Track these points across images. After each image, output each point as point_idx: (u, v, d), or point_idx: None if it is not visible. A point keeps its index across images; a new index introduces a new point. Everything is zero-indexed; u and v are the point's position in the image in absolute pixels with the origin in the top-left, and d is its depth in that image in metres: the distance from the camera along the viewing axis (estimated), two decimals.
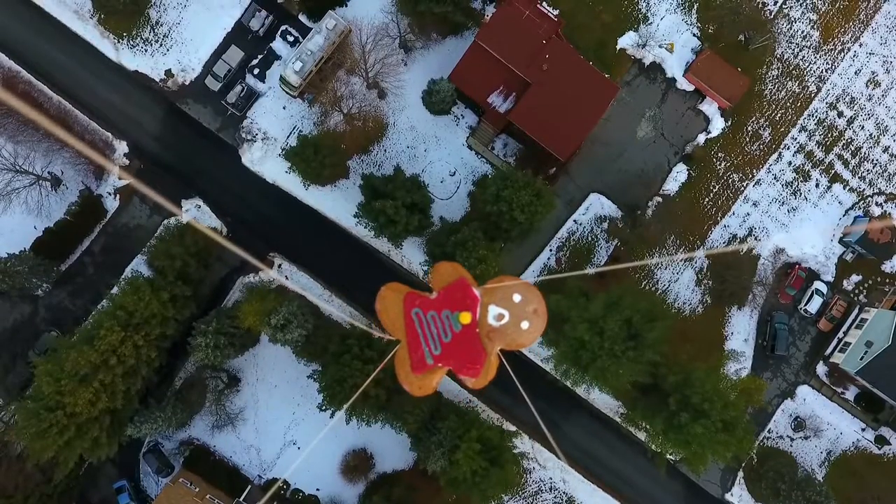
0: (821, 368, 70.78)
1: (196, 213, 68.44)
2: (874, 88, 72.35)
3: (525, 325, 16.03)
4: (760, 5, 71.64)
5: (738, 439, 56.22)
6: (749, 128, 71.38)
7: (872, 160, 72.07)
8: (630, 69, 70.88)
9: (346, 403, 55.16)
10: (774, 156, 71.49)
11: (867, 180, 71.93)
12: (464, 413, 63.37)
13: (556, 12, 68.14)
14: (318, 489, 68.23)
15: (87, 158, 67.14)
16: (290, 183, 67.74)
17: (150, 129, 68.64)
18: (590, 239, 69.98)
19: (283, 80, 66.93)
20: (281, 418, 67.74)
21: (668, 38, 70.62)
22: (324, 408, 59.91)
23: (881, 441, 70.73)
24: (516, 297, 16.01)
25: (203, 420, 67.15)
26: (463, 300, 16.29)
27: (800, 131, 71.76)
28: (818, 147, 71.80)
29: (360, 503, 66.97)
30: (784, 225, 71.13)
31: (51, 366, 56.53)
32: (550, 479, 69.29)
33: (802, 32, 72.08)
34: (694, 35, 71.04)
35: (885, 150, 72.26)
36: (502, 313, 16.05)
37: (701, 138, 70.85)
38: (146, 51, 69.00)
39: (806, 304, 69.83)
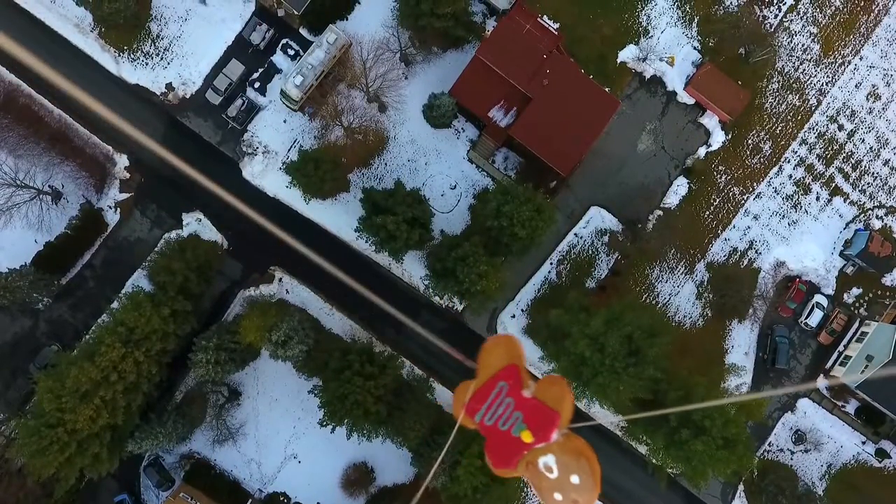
0: (821, 382, 70.81)
1: (197, 227, 68.45)
2: (874, 101, 72.44)
3: (557, 497, 15.19)
4: (761, 19, 71.72)
5: (738, 456, 56.26)
6: (749, 141, 71.46)
7: (873, 173, 72.17)
8: (630, 82, 70.94)
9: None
10: (775, 169, 71.57)
11: (868, 193, 72.04)
12: (464, 428, 63.16)
13: (556, 26, 68.37)
14: (318, 502, 68.17)
15: (89, 172, 67.32)
16: (291, 196, 67.70)
17: (151, 142, 68.51)
18: (590, 252, 70.03)
19: (283, 93, 66.97)
20: (282, 432, 67.72)
21: (668, 52, 70.69)
22: (325, 424, 59.89)
23: (882, 454, 70.81)
24: (574, 478, 15.00)
25: (204, 434, 67.08)
26: (538, 425, 15.49)
27: (800, 144, 71.85)
28: (819, 160, 71.88)
29: None
30: (784, 238, 71.20)
31: (52, 382, 56.41)
32: None
33: (803, 46, 72.15)
34: (694, 48, 71.11)
35: (886, 163, 72.37)
36: (553, 470, 15.17)
37: (701, 151, 70.93)
38: (147, 64, 69.02)
39: (806, 318, 69.90)
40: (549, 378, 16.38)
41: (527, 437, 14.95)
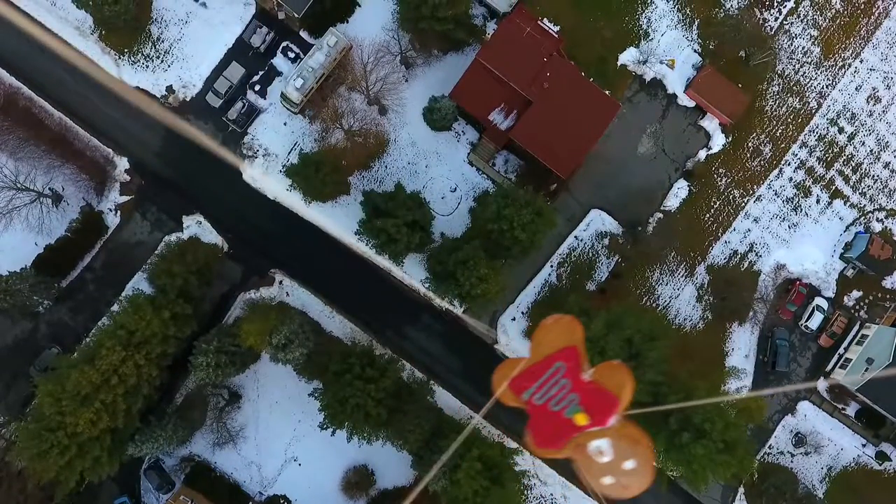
0: (822, 384, 70.83)
1: (197, 229, 68.44)
2: (875, 104, 72.46)
3: (607, 481, 14.95)
4: (761, 21, 71.70)
5: (738, 460, 56.28)
6: (750, 144, 71.46)
7: (873, 176, 72.19)
8: (631, 85, 70.92)
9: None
10: (775, 172, 71.58)
11: (868, 196, 72.07)
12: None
13: (556, 29, 68.35)
14: None
15: (90, 175, 67.32)
16: (292, 199, 67.66)
17: (151, 145, 68.62)
18: (591, 255, 70.04)
19: (283, 96, 66.99)
20: (282, 435, 67.70)
21: (669, 55, 70.69)
22: (325, 427, 59.90)
23: (882, 457, 70.83)
24: (629, 464, 14.80)
25: (204, 437, 67.09)
26: (597, 411, 15.22)
27: (800, 147, 71.85)
28: (819, 163, 71.89)
29: None
30: (785, 241, 71.22)
31: (52, 386, 56.46)
32: (552, 495, 69.32)
33: (803, 48, 72.16)
34: (695, 51, 71.10)
35: (886, 165, 72.41)
36: (605, 453, 14.89)
37: (702, 154, 70.92)
38: (147, 67, 68.99)
39: (807, 320, 69.91)
40: (610, 364, 16.12)
41: (581, 419, 14.83)
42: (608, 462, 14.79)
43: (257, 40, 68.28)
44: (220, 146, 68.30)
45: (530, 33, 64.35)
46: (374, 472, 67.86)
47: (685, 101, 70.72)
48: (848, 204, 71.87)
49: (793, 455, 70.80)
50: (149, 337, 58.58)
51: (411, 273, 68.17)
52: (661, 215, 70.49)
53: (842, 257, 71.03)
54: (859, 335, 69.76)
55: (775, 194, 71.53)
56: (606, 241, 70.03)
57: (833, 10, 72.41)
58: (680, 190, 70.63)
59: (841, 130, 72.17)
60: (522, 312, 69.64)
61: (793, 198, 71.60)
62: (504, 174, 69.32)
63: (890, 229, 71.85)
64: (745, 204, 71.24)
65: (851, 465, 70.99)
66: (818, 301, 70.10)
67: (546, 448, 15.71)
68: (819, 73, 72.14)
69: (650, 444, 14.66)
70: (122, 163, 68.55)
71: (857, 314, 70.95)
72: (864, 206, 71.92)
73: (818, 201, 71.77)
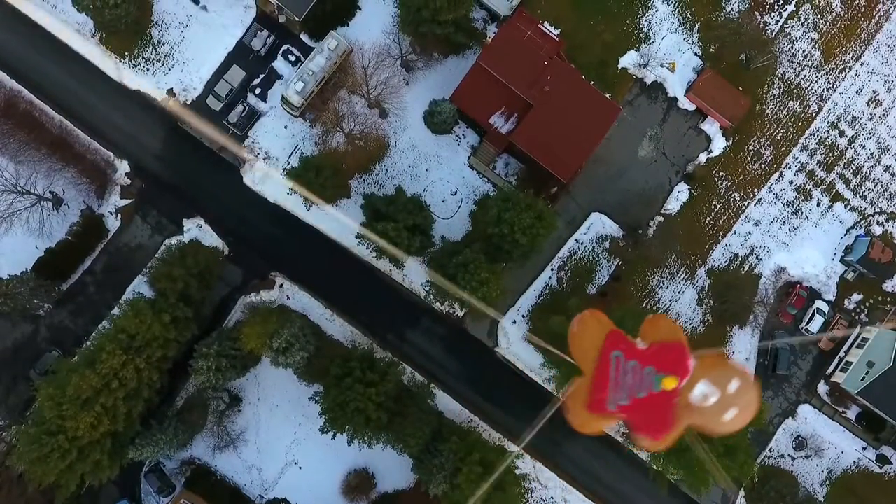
0: (822, 388, 70.88)
1: (197, 233, 68.44)
2: (875, 108, 72.52)
3: (729, 415, 14.60)
4: (762, 25, 71.76)
5: (739, 464, 56.42)
6: (750, 147, 71.52)
7: (874, 179, 72.23)
8: (631, 88, 70.97)
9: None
10: (776, 175, 71.63)
11: (868, 199, 72.16)
12: (465, 434, 63.31)
13: (557, 32, 68.37)
14: None
15: (90, 178, 67.35)
16: (292, 202, 67.70)
17: (152, 148, 68.62)
18: (591, 258, 70.07)
19: (284, 99, 67.01)
20: (282, 438, 67.69)
21: (669, 58, 70.73)
22: (325, 431, 59.89)
23: (882, 460, 70.87)
24: (732, 385, 14.54)
25: (204, 440, 67.02)
26: (674, 365, 14.90)
27: (801, 150, 71.90)
28: (819, 166, 71.95)
29: None
30: (785, 244, 71.26)
31: (52, 389, 56.44)
32: (552, 498, 69.26)
33: (804, 52, 72.20)
34: (695, 54, 71.15)
35: (887, 169, 72.46)
36: (709, 393, 14.59)
37: (702, 157, 70.96)
38: (148, 70, 68.98)
39: (807, 324, 69.91)
40: (649, 320, 15.77)
41: (670, 382, 14.51)
42: (718, 399, 14.48)
43: (258, 43, 68.31)
44: (220, 149, 68.42)
45: (531, 37, 64.41)
46: (375, 476, 67.86)
47: (686, 104, 70.77)
48: (848, 207, 71.92)
49: (793, 458, 70.81)
50: (149, 340, 58.54)
51: (412, 276, 68.21)
52: (661, 218, 70.52)
53: (842, 261, 71.06)
54: (860, 338, 69.75)
55: (776, 197, 71.57)
56: (607, 245, 70.05)
57: (833, 14, 72.48)
58: (680, 193, 70.67)
59: (841, 134, 72.22)
60: (523, 316, 69.65)
61: (793, 201, 71.65)
62: (505, 177, 69.35)
63: (890, 233, 71.89)
64: (746, 207, 71.27)
65: (852, 468, 71.00)
66: (819, 304, 70.13)
67: (666, 434, 15.29)
68: (819, 76, 72.20)
69: (731, 357, 14.52)
70: (123, 166, 68.53)
71: (857, 317, 70.96)
72: (865, 209, 71.99)
73: (819, 204, 71.81)
